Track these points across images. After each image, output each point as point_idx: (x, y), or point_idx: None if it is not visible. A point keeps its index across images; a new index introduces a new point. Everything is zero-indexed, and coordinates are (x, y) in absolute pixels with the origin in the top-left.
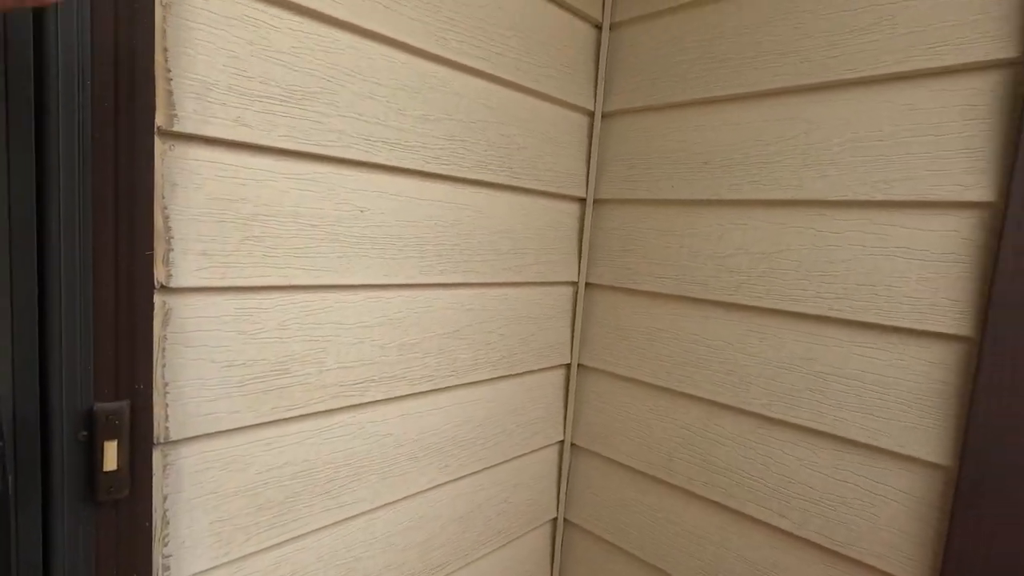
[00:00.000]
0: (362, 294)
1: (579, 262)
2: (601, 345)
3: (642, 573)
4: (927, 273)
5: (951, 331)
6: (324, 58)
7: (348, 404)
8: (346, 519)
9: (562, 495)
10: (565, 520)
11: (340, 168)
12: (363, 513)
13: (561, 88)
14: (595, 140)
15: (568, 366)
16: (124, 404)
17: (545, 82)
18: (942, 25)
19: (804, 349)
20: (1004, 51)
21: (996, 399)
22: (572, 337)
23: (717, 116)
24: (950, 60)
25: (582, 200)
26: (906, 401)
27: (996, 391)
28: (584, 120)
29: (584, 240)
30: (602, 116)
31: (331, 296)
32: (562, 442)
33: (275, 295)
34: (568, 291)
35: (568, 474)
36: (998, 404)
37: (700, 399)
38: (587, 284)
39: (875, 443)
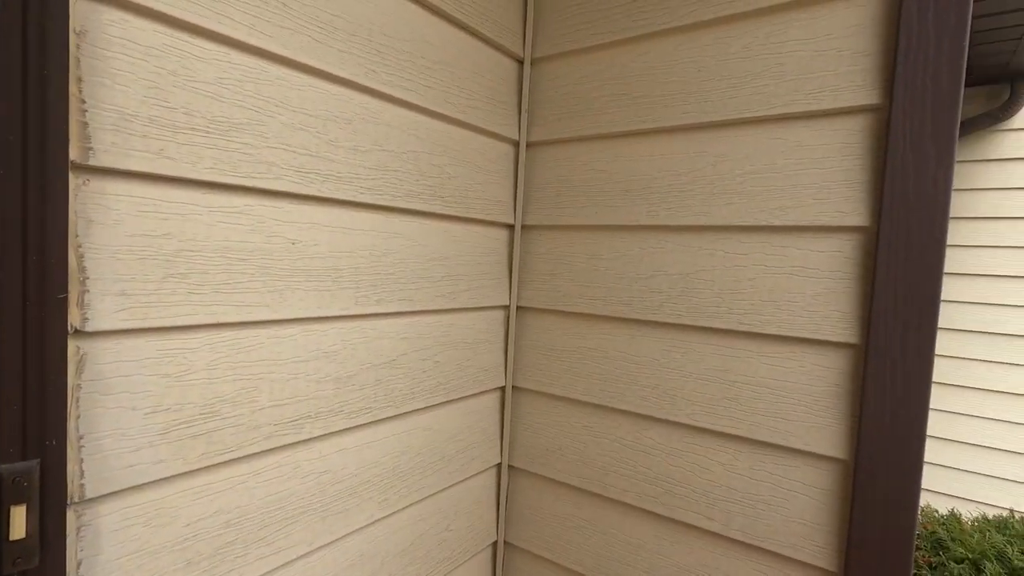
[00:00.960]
0: (296, 328)
1: (510, 286)
2: (534, 366)
3: None
4: (819, 289)
5: (841, 339)
6: (252, 89)
7: (283, 443)
8: (283, 565)
9: (501, 518)
10: (505, 543)
11: (270, 200)
12: (301, 557)
13: (487, 119)
14: (521, 169)
15: (503, 389)
16: (33, 464)
17: (472, 113)
18: (822, 73)
19: (720, 361)
20: (870, 98)
21: (880, 398)
22: (506, 360)
23: (633, 148)
24: (828, 104)
25: (511, 226)
26: (808, 404)
27: (880, 391)
28: (510, 150)
29: (514, 265)
30: (527, 146)
31: (263, 332)
32: (499, 465)
33: (202, 334)
34: (500, 315)
35: (507, 496)
36: (883, 402)
37: (630, 413)
38: (519, 307)
39: (785, 443)
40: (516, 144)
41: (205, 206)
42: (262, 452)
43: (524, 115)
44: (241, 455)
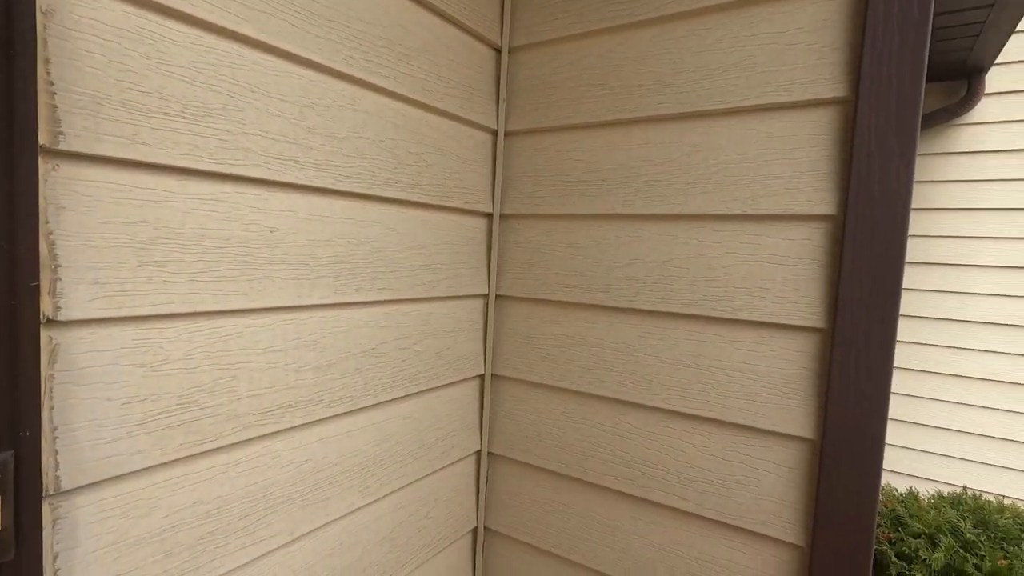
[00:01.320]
0: (274, 317)
1: (489, 275)
2: (513, 354)
3: (560, 568)
4: (789, 276)
5: (809, 324)
6: (227, 74)
7: (263, 433)
8: (264, 555)
9: (481, 504)
10: (485, 528)
11: (247, 187)
12: (282, 546)
13: (465, 108)
14: (499, 157)
15: (482, 377)
16: (7, 455)
17: (450, 102)
18: (792, 66)
19: (694, 347)
20: (837, 91)
21: (846, 380)
22: (485, 348)
23: (610, 138)
24: (797, 96)
25: (489, 215)
26: (778, 386)
27: (846, 374)
28: (488, 138)
29: (493, 253)
30: (504, 135)
31: (241, 321)
32: (479, 452)
33: (179, 323)
34: (479, 303)
35: (486, 483)
36: (848, 384)
37: (608, 399)
38: (497, 296)
39: (756, 424)
40: (494, 133)
41: (180, 193)
42: (241, 442)
43: (502, 104)
44: (220, 445)
